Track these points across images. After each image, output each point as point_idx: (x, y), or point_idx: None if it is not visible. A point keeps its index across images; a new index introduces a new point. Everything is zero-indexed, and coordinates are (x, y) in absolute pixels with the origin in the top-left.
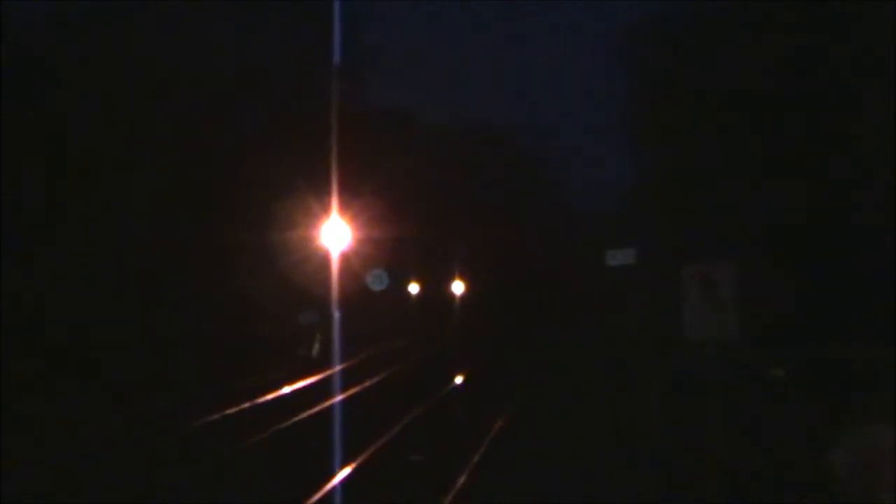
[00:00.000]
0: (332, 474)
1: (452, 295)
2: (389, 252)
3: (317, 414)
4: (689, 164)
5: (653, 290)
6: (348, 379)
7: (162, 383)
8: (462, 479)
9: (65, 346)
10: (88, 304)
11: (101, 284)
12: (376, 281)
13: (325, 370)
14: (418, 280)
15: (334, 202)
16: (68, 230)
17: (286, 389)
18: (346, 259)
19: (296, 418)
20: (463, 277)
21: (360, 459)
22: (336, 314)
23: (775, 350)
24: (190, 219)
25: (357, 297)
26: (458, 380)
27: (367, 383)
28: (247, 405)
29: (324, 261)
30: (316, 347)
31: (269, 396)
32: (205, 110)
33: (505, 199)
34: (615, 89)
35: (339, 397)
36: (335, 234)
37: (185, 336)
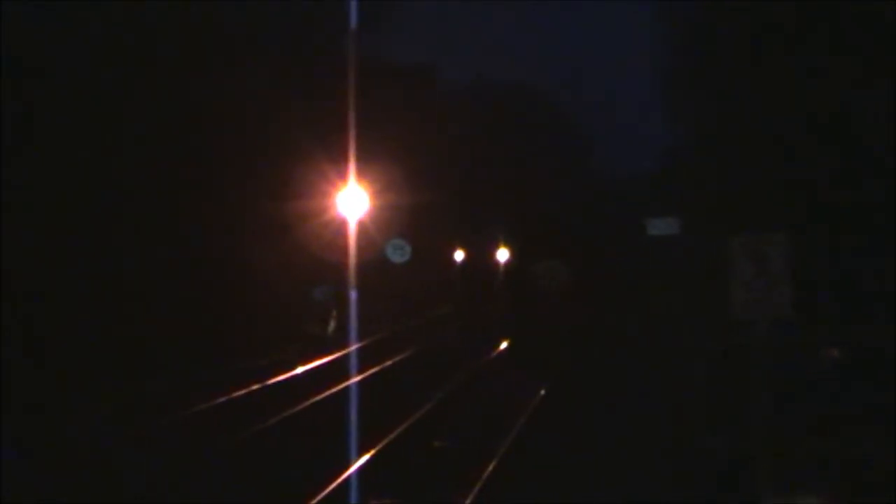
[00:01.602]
0: (345, 465)
1: (497, 262)
2: (425, 219)
3: (327, 399)
4: (735, 125)
5: (696, 262)
6: (365, 359)
7: (162, 364)
8: None
9: (62, 325)
10: (85, 279)
11: (98, 258)
12: (397, 252)
13: (337, 350)
14: (464, 247)
15: (352, 168)
16: (67, 208)
17: (298, 370)
18: (366, 228)
19: (306, 403)
20: (507, 245)
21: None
22: (352, 291)
23: (831, 328)
24: (196, 186)
25: (383, 268)
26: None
27: (386, 363)
28: (255, 387)
29: (340, 230)
30: (331, 325)
31: (279, 378)
32: (213, 70)
33: (536, 163)
34: (653, 42)
35: (352, 380)
36: (352, 201)
37: (189, 313)
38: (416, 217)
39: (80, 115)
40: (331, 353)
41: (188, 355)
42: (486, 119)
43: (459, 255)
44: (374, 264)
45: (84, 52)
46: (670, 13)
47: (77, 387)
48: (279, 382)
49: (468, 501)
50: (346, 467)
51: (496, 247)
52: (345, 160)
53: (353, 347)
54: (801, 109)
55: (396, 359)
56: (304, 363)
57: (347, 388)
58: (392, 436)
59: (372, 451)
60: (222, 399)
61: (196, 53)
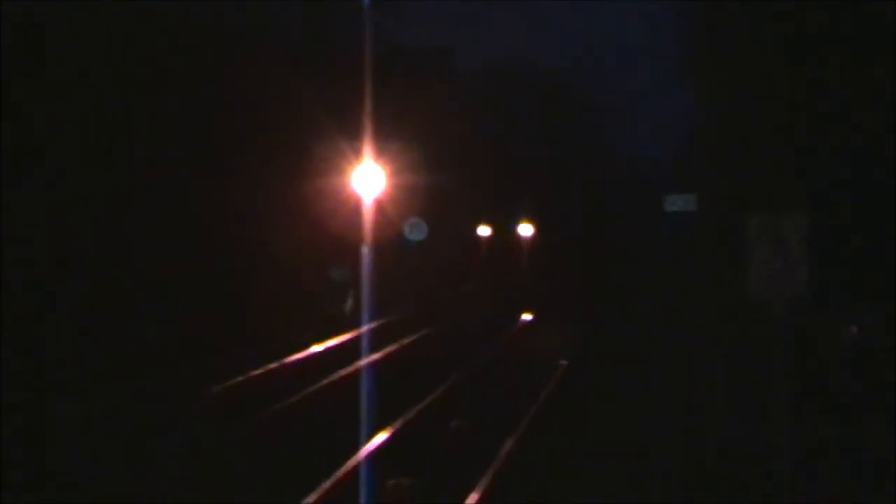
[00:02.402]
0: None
1: (520, 238)
2: (444, 198)
3: (345, 378)
4: (753, 105)
5: (715, 241)
6: (381, 338)
7: (180, 345)
8: None
9: (76, 303)
10: (98, 258)
11: (111, 237)
12: (414, 230)
13: (355, 329)
14: (489, 223)
15: (367, 146)
16: (80, 182)
17: (315, 349)
18: (383, 207)
19: (322, 382)
20: (531, 220)
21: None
22: (366, 270)
23: (851, 308)
24: (212, 166)
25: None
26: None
27: (404, 342)
28: (274, 366)
29: (357, 209)
30: (349, 304)
31: (296, 357)
32: (227, 50)
33: (554, 143)
34: (671, 21)
35: (365, 359)
36: (369, 179)
37: (204, 293)
38: (434, 196)
39: (94, 95)
40: (347, 332)
41: (207, 334)
42: (505, 99)
43: (486, 231)
44: (393, 243)
45: (100, 33)
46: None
47: (89, 373)
48: (296, 362)
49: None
50: (360, 447)
51: (519, 223)
52: (361, 139)
53: (366, 328)
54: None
55: (411, 338)
56: (320, 343)
57: (361, 367)
58: (408, 416)
59: (388, 431)
60: (240, 379)
61: (213, 35)
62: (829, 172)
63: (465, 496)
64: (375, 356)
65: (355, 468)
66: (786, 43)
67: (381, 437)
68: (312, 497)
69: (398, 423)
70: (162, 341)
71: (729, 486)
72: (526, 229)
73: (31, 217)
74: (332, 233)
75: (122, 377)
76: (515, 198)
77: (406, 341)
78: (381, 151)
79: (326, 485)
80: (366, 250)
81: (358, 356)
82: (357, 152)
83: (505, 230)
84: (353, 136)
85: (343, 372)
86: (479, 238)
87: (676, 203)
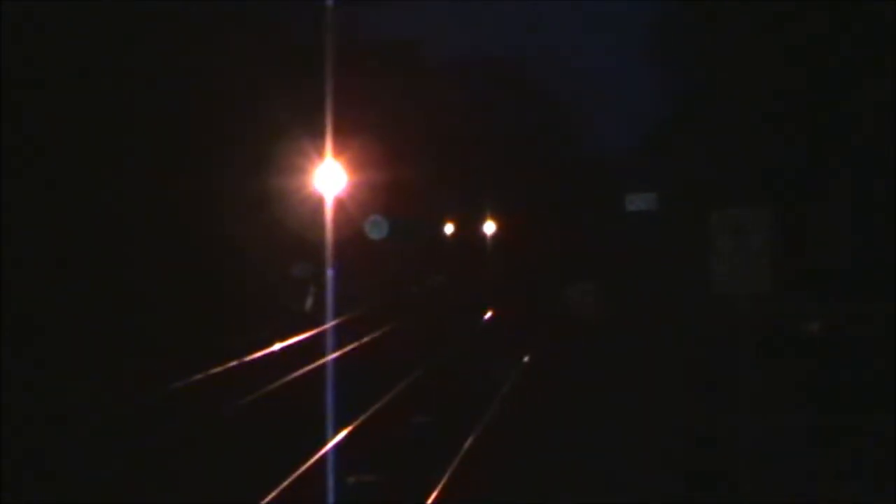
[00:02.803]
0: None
1: (484, 235)
2: (406, 195)
3: (308, 374)
4: (713, 101)
5: (676, 237)
6: (345, 334)
7: (139, 342)
8: None
9: (30, 301)
10: (54, 254)
11: (68, 233)
12: (375, 228)
13: (317, 326)
14: (454, 221)
15: (328, 144)
16: (31, 174)
17: (276, 347)
18: (344, 204)
19: (284, 379)
20: (494, 218)
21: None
22: (329, 269)
23: (814, 303)
24: (171, 161)
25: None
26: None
27: (363, 340)
28: (234, 364)
29: (318, 207)
30: (310, 302)
31: (258, 354)
32: (189, 44)
33: (517, 139)
34: (636, 14)
35: (331, 356)
36: (330, 177)
37: (165, 290)
38: (396, 193)
39: (56, 96)
40: (309, 329)
41: (166, 331)
42: (468, 94)
43: (450, 229)
44: (354, 240)
45: (61, 29)
46: None
47: (49, 367)
48: (257, 359)
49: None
50: (323, 444)
51: (483, 220)
52: (323, 136)
53: (331, 324)
54: (782, 88)
55: (372, 335)
56: (281, 340)
57: (324, 364)
58: (370, 412)
59: (349, 428)
60: (200, 377)
61: (174, 30)
62: (796, 168)
63: (427, 491)
64: (336, 354)
65: (318, 464)
66: (749, 37)
67: (342, 434)
68: (274, 493)
69: (360, 420)
70: (122, 335)
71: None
72: (489, 227)
73: None
74: (293, 230)
75: (81, 373)
76: (479, 196)
77: (365, 340)
78: (343, 148)
79: (286, 483)
80: (328, 248)
81: (320, 354)
82: (319, 150)
83: (469, 228)
84: (315, 134)
85: (305, 369)
86: (444, 235)
87: (636, 202)
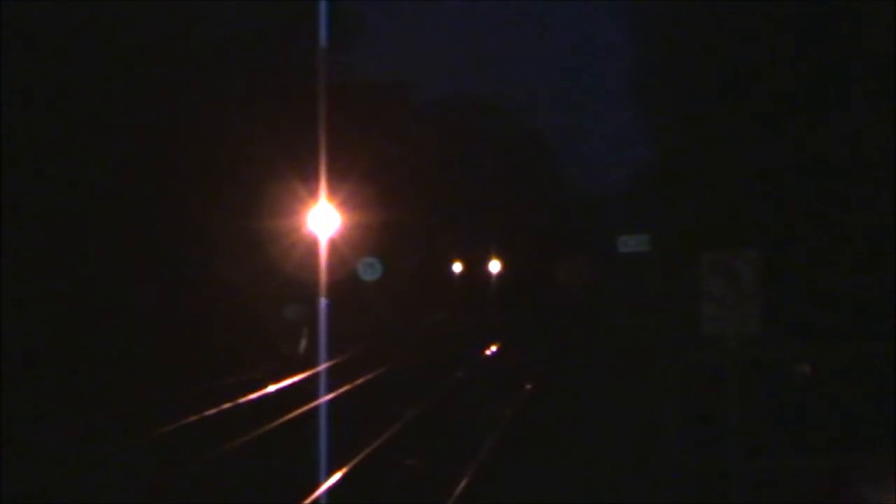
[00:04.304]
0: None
1: (489, 273)
2: (400, 236)
3: (298, 417)
4: (704, 142)
5: (667, 278)
6: (336, 377)
7: (130, 384)
8: None
9: (22, 339)
10: (43, 294)
11: (59, 275)
12: (368, 270)
13: (310, 368)
14: (462, 260)
15: (323, 186)
16: (17, 220)
17: (269, 389)
18: (337, 246)
19: (277, 421)
20: (499, 257)
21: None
22: (323, 306)
23: (805, 345)
24: (162, 204)
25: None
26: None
27: (357, 381)
28: (227, 406)
29: (312, 248)
30: (303, 344)
31: (252, 397)
32: (180, 86)
33: (512, 180)
34: (624, 59)
35: (321, 399)
36: (323, 219)
37: (160, 331)
38: (390, 234)
39: (45, 130)
40: (302, 371)
41: (158, 374)
42: (460, 136)
43: (458, 268)
44: (347, 281)
45: (60, 68)
46: (643, 29)
47: (37, 406)
48: (251, 401)
49: None
50: (317, 486)
51: (489, 259)
52: (316, 178)
53: (323, 366)
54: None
55: (365, 378)
56: (275, 382)
57: (317, 406)
58: (363, 454)
59: (343, 470)
60: (193, 419)
61: (168, 71)
62: (789, 212)
63: None
64: (330, 396)
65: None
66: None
67: (336, 476)
68: None
69: (353, 462)
70: (115, 374)
71: None
72: (494, 265)
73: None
74: (286, 272)
75: (73, 410)
76: (484, 236)
77: (359, 381)
78: (336, 189)
79: None
80: (322, 291)
81: (314, 396)
82: (311, 192)
83: (476, 266)
84: (307, 175)
85: (298, 411)
86: (452, 273)
87: (629, 244)
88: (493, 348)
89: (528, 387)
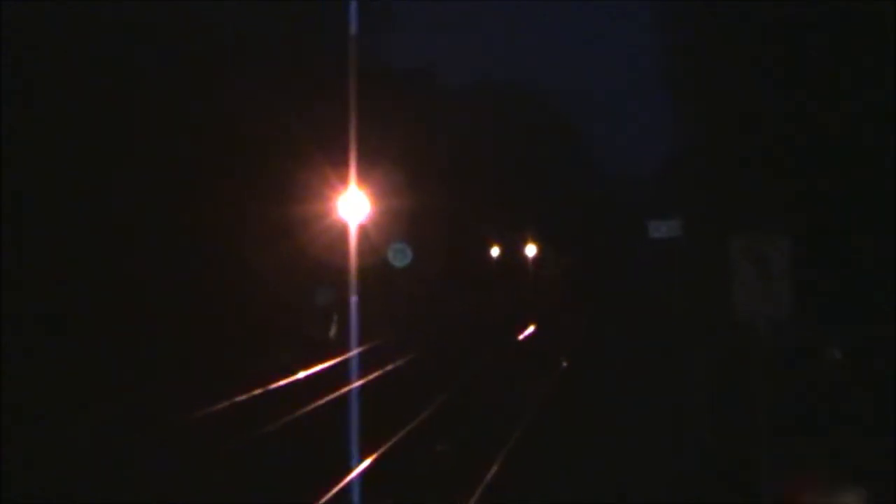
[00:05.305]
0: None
1: (526, 258)
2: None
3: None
4: (734, 126)
5: (699, 263)
6: (367, 362)
7: (161, 370)
8: None
9: (55, 323)
10: (79, 280)
11: (94, 259)
12: (398, 255)
13: (340, 353)
14: (499, 244)
15: (353, 172)
16: (54, 206)
17: (300, 375)
18: (367, 232)
19: (307, 407)
20: (536, 242)
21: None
22: (353, 296)
23: (835, 328)
24: (196, 190)
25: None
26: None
27: (388, 367)
28: (258, 392)
29: (341, 234)
30: (333, 329)
31: (282, 382)
32: (214, 75)
33: (539, 167)
34: (653, 45)
35: (352, 384)
36: (353, 205)
37: (192, 317)
38: (421, 219)
39: (79, 120)
40: (332, 357)
41: (191, 360)
42: (490, 121)
43: (496, 252)
44: (377, 267)
45: (86, 56)
46: (673, 13)
47: (76, 392)
48: (281, 387)
49: None
50: (348, 472)
51: (526, 244)
52: (346, 164)
53: (355, 352)
54: (801, 115)
55: (395, 364)
56: (305, 368)
57: (349, 392)
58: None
59: (374, 456)
60: (225, 404)
61: (198, 58)
62: (819, 196)
63: None
64: (361, 381)
65: (345, 490)
66: (770, 61)
67: (367, 461)
68: None
69: (385, 448)
70: (144, 363)
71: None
72: (531, 249)
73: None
74: (316, 257)
75: (106, 397)
76: (521, 221)
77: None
78: (367, 175)
79: None
80: (352, 278)
81: (346, 382)
82: (342, 178)
83: (513, 251)
84: (337, 161)
85: (330, 397)
86: (490, 258)
87: (660, 229)
88: (531, 328)
89: (564, 364)
